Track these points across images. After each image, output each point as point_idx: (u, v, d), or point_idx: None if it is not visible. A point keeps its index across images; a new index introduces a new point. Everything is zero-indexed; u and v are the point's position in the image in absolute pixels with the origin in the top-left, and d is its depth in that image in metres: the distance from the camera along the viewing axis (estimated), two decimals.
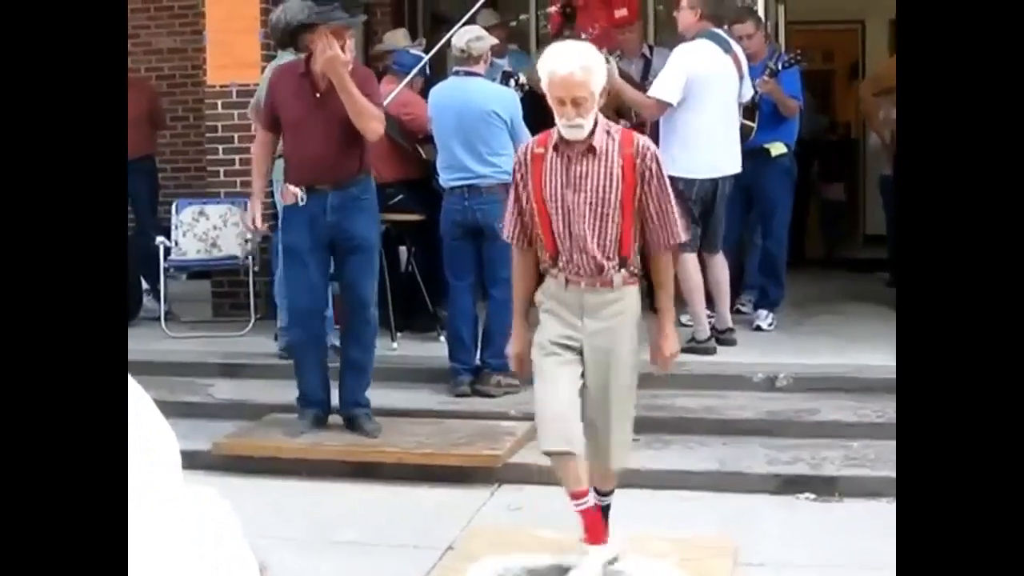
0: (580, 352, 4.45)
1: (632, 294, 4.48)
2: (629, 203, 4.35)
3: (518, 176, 4.51)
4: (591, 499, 4.59)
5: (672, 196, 4.45)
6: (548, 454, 4.54)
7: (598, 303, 4.42)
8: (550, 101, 4.35)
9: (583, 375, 4.46)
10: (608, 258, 4.38)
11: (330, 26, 6.00)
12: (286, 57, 7.38)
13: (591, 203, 4.34)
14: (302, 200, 6.08)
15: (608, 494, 4.68)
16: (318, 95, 6.06)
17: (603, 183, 4.34)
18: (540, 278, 4.65)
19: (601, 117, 4.42)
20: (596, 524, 4.64)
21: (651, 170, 4.35)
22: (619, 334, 4.44)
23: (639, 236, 4.43)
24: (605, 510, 4.68)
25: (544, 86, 4.35)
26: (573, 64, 4.26)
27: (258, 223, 6.44)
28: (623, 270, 4.41)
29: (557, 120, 4.34)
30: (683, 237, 4.49)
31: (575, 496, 4.57)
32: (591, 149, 4.35)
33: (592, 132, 4.34)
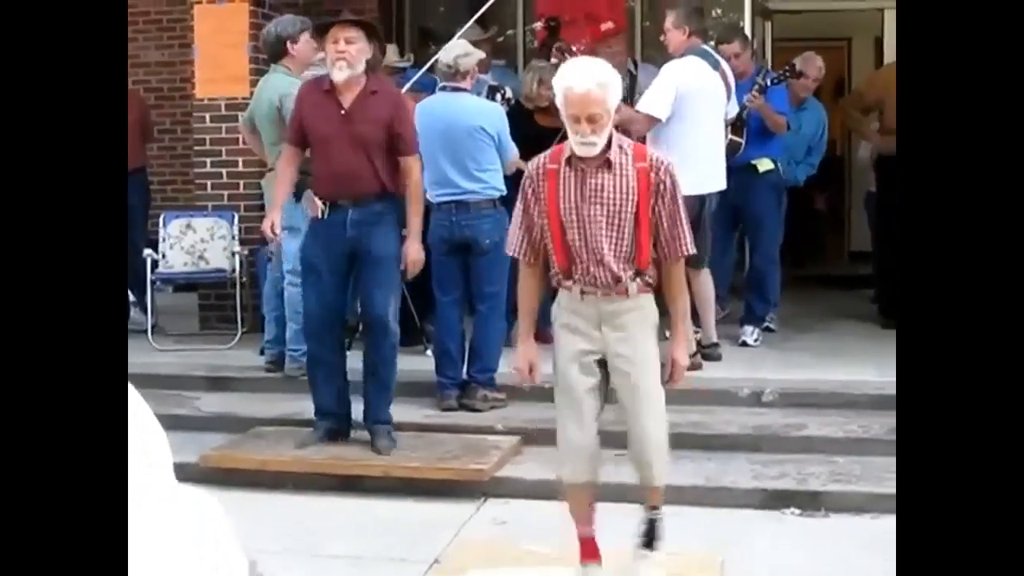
0: (602, 363, 4.47)
1: (648, 301, 4.50)
2: (644, 215, 4.36)
3: (529, 191, 4.49)
4: (593, 529, 4.66)
5: (683, 209, 4.47)
6: (571, 485, 4.60)
7: (614, 311, 4.43)
8: (564, 118, 4.34)
9: (610, 385, 4.50)
10: (624, 270, 4.39)
11: (344, 27, 6.04)
12: (278, 71, 7.41)
13: (607, 216, 4.35)
14: (323, 213, 6.12)
15: (656, 508, 4.67)
16: (343, 112, 6.08)
17: (619, 196, 4.35)
18: (545, 291, 4.70)
19: (614, 131, 4.43)
20: (595, 548, 4.68)
21: (665, 183, 4.37)
22: (642, 345, 4.46)
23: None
24: (653, 524, 4.66)
25: (559, 103, 4.34)
26: (590, 81, 4.25)
27: (277, 229, 6.43)
28: (638, 279, 4.43)
29: (571, 136, 4.33)
30: (692, 249, 4.50)
31: (580, 522, 4.65)
32: (607, 163, 4.35)
33: (607, 147, 4.34)
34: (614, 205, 4.35)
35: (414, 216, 6.24)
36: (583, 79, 4.26)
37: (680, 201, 4.44)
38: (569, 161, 4.39)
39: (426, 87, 7.95)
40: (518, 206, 4.59)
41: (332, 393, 6.39)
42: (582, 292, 4.45)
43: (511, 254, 4.65)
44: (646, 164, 4.36)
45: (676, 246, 4.43)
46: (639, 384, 4.44)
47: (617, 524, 4.64)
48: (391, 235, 6.21)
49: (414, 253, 6.24)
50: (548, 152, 4.57)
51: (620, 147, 4.39)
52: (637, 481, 4.60)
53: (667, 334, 4.38)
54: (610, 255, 4.37)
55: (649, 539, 4.67)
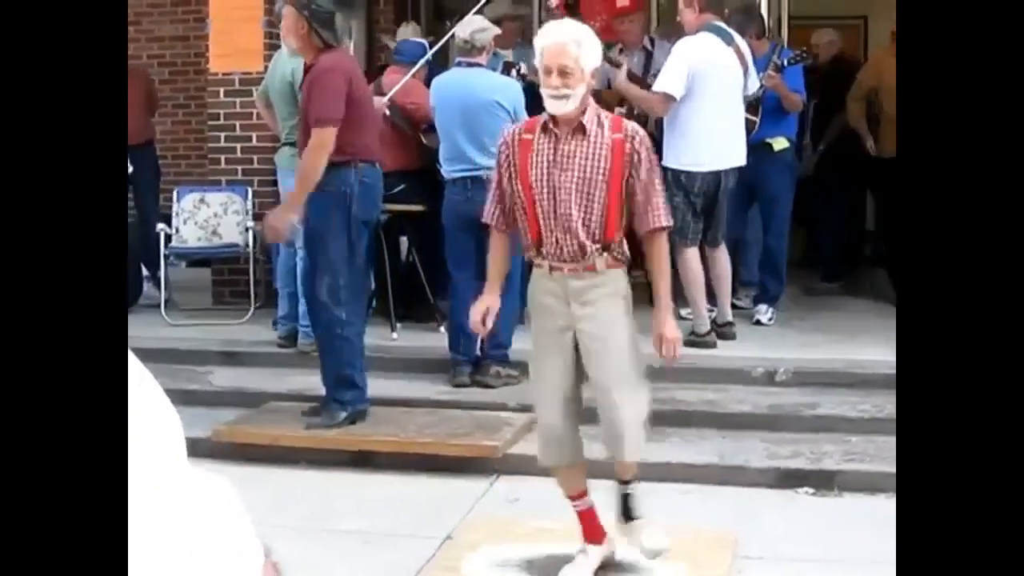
0: (575, 342, 4.45)
1: (618, 277, 4.46)
2: (616, 185, 4.35)
3: (503, 158, 4.51)
4: (588, 500, 4.66)
5: (659, 181, 4.47)
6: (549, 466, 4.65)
7: (582, 287, 4.40)
8: (540, 75, 4.39)
9: (582, 364, 4.46)
10: (593, 240, 4.37)
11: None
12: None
13: (577, 182, 4.34)
14: None
15: (629, 482, 4.63)
16: (300, 87, 6.16)
17: (590, 163, 4.34)
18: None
19: (593, 102, 4.45)
20: (593, 524, 4.69)
21: (639, 153, 4.36)
22: (609, 319, 4.42)
23: (626, 221, 4.44)
24: (626, 499, 4.62)
25: (536, 60, 4.41)
26: (566, 36, 4.34)
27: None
28: (606, 254, 4.40)
29: (544, 93, 4.36)
30: (666, 221, 4.45)
31: (572, 497, 4.66)
32: (580, 129, 4.36)
33: (582, 113, 4.36)
34: (585, 172, 4.34)
35: (296, 185, 6.07)
36: (559, 33, 4.39)
37: (656, 172, 4.45)
38: (545, 129, 4.41)
39: (409, 54, 7.95)
40: (494, 175, 4.63)
41: None
42: (551, 268, 4.44)
43: (485, 221, 4.66)
44: (622, 135, 4.37)
45: (649, 218, 4.40)
46: (606, 359, 4.41)
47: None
48: (322, 210, 6.05)
49: (271, 219, 6.13)
50: (525, 121, 4.65)
51: (597, 117, 4.41)
52: (609, 456, 4.56)
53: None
54: (579, 223, 4.35)
55: (628, 514, 4.64)
